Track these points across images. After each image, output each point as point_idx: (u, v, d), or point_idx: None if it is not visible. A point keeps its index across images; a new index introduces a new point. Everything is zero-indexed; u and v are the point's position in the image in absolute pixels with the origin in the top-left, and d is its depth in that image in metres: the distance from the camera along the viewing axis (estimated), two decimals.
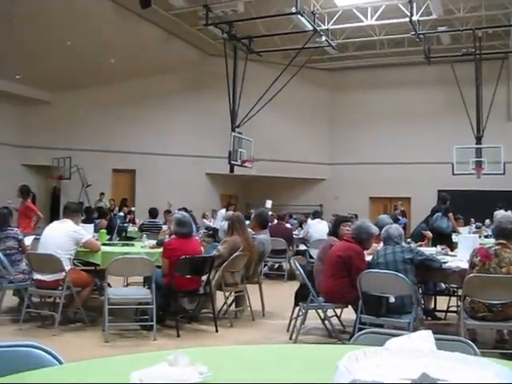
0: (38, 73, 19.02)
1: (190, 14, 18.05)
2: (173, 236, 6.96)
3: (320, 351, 2.16)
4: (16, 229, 7.91)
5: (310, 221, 13.59)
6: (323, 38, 18.68)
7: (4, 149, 20.73)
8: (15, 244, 7.30)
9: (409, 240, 8.49)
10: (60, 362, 1.89)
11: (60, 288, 6.35)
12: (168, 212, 13.77)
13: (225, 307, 7.10)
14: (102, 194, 20.57)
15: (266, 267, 11.50)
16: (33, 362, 1.85)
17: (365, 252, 6.04)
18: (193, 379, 1.45)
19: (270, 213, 15.87)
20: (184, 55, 20.83)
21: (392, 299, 5.29)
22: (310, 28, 17.56)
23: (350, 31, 20.08)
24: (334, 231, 6.93)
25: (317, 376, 1.64)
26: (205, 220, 18.41)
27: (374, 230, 6.12)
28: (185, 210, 12.09)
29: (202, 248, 7.79)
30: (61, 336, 6.09)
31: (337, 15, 18.39)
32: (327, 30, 18.70)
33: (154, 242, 7.65)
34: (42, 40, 16.56)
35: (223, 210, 16.50)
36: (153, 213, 12.76)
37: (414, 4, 16.84)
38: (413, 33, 18.36)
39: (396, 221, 9.52)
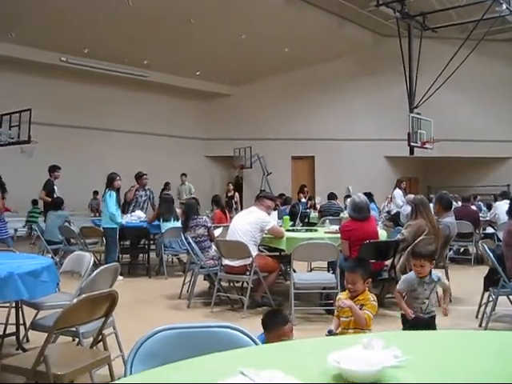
0: (217, 68, 19.92)
1: None
2: (349, 218, 7.05)
3: None
4: (205, 217, 8.40)
5: (497, 202, 12.92)
6: (503, 7, 17.48)
7: (190, 142, 22.04)
8: (205, 231, 7.77)
9: None
10: (255, 343, 1.98)
11: (247, 273, 6.65)
12: (348, 197, 13.82)
13: None
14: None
15: (452, 251, 11.13)
16: (231, 341, 1.96)
17: None
18: (388, 362, 1.46)
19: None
20: (357, 38, 20.59)
21: None
22: None
23: None
24: None
25: None
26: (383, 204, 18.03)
27: None
28: (366, 194, 12.05)
29: (385, 232, 7.73)
30: (249, 319, 6.34)
31: None
32: None
33: (336, 227, 7.72)
34: (218, 37, 17.29)
35: (398, 192, 15.78)
36: (331, 196, 13.04)
37: None
38: None
39: None
